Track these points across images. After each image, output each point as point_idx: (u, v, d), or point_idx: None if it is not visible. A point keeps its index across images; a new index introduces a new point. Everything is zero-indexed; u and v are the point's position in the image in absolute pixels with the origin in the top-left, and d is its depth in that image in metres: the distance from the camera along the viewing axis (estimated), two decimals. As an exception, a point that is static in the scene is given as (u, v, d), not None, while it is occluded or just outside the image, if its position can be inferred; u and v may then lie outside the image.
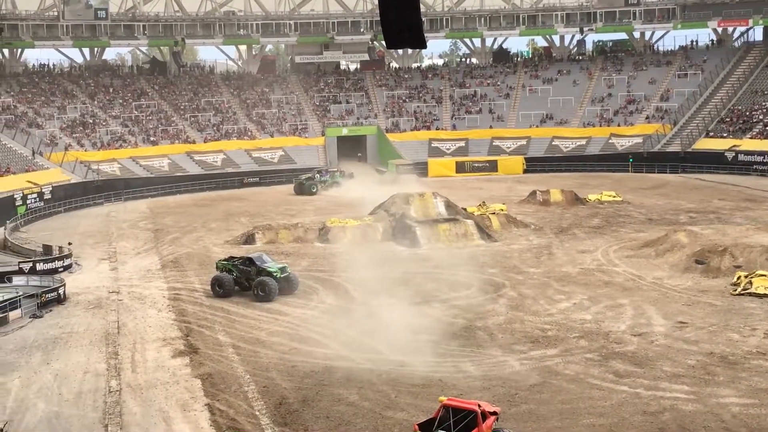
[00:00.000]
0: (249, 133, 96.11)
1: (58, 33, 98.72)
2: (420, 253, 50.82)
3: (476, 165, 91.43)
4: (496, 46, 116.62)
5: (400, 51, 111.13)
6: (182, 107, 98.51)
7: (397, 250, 52.02)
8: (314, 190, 78.97)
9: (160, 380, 30.02)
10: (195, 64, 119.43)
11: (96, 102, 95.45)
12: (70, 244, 52.38)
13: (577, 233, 55.80)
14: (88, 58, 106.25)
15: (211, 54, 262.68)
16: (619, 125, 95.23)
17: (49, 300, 40.52)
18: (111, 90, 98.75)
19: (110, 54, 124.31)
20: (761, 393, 27.13)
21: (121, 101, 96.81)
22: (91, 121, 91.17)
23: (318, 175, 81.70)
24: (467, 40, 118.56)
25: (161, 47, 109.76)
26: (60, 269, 47.66)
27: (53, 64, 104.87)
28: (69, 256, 49.62)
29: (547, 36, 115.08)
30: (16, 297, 39.30)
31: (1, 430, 22.83)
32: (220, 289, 41.58)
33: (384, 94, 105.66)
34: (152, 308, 40.16)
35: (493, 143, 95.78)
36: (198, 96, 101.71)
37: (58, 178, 75.70)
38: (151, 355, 33.00)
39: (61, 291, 41.58)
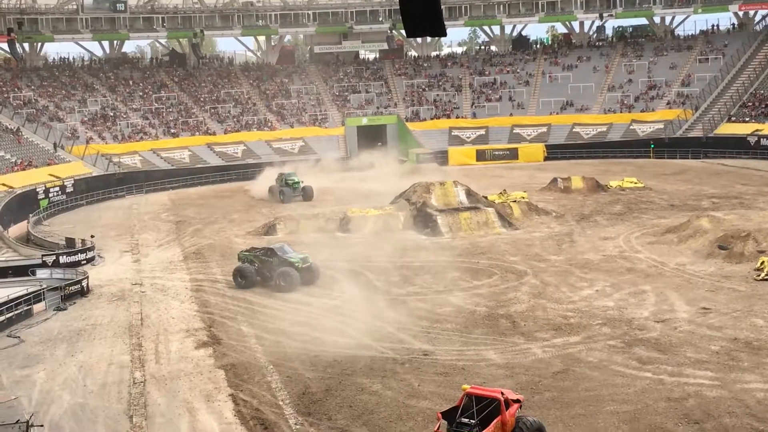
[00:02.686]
0: (269, 124, 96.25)
1: (77, 26, 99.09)
2: (441, 242, 50.76)
3: (497, 153, 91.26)
4: (515, 34, 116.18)
5: (419, 39, 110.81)
6: (202, 99, 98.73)
7: (418, 239, 51.99)
8: (282, 198, 68.45)
9: (184, 371, 30.14)
10: (214, 56, 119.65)
11: (116, 95, 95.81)
12: (92, 236, 52.68)
13: (598, 220, 55.59)
14: (107, 51, 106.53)
15: (230, 45, 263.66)
16: (640, 111, 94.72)
17: (73, 292, 40.75)
18: (131, 83, 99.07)
19: (129, 47, 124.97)
20: (786, 378, 26.99)
21: (141, 94, 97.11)
22: (111, 114, 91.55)
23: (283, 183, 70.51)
24: (486, 28, 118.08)
25: (180, 39, 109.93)
26: (83, 262, 47.90)
27: (73, 58, 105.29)
28: (92, 248, 49.86)
29: (567, 22, 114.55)
30: (40, 290, 39.53)
31: (27, 422, 22.94)
32: (242, 280, 41.67)
33: (403, 83, 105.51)
34: (175, 300, 40.31)
35: (514, 131, 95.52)
36: (217, 87, 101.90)
37: (80, 171, 76.11)
38: (174, 347, 33.13)
39: (84, 283, 41.79)
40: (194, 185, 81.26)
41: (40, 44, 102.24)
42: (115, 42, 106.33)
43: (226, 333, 34.49)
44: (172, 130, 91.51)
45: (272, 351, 31.72)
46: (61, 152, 78.66)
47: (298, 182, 69.02)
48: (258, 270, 41.78)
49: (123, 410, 26.83)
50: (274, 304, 38.61)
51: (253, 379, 28.98)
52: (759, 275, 39.32)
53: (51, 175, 72.43)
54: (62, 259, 47.05)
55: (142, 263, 48.70)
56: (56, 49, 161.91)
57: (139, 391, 28.29)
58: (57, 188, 70.73)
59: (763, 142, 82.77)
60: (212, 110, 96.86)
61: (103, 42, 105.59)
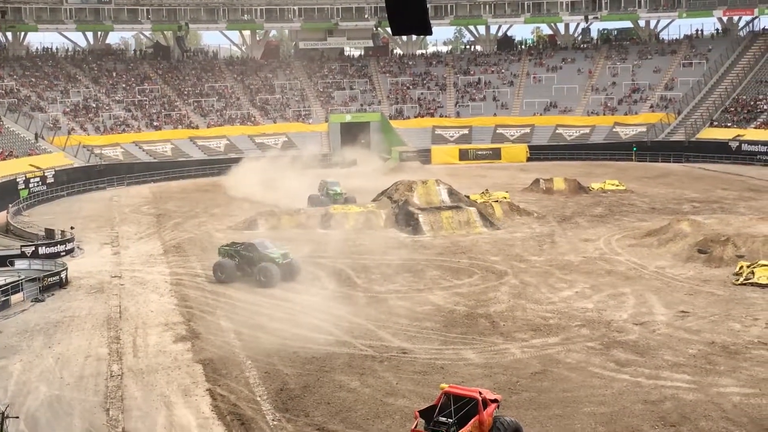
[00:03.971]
0: (252, 119, 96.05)
1: (61, 16, 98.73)
2: (423, 240, 50.79)
3: (480, 153, 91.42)
4: (500, 34, 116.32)
5: (405, 38, 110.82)
6: (186, 92, 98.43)
7: (399, 237, 52.01)
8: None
9: (162, 365, 30.04)
10: (198, 49, 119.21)
11: (99, 86, 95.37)
12: (72, 228, 52.43)
13: (579, 222, 55.75)
14: (91, 42, 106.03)
15: (214, 39, 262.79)
16: (623, 114, 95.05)
17: (51, 284, 40.54)
18: (114, 74, 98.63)
19: (114, 38, 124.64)
20: (762, 383, 27.10)
21: (124, 86, 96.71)
22: (94, 105, 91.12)
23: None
24: (472, 27, 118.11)
25: (165, 32, 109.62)
26: (62, 253, 47.67)
27: (56, 48, 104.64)
28: (71, 240, 49.64)
29: (552, 24, 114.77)
30: (19, 281, 39.30)
31: (2, 413, 22.80)
32: (222, 275, 41.57)
33: (388, 81, 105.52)
34: (154, 293, 40.17)
35: (497, 131, 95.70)
36: (201, 81, 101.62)
37: (61, 162, 75.76)
38: (152, 340, 33.02)
39: (63, 275, 41.59)
40: (176, 179, 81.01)
41: (23, 33, 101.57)
42: (99, 33, 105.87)
43: (205, 327, 34.39)
44: (155, 123, 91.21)
45: (251, 346, 31.65)
46: (42, 143, 78.26)
47: (341, 193, 61.50)
48: (238, 265, 41.69)
49: (100, 403, 26.71)
50: (254, 299, 38.53)
51: (231, 374, 28.91)
52: (737, 280, 39.52)
53: (32, 165, 72.08)
54: (41, 250, 46.81)
55: (121, 256, 48.52)
56: (39, 38, 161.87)
57: (116, 384, 28.18)
58: (37, 179, 70.42)
59: (745, 147, 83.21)
60: (195, 104, 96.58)
61: (87, 33, 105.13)
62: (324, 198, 60.73)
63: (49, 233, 50.67)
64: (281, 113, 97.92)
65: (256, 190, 65.28)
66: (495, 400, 22.66)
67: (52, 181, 71.96)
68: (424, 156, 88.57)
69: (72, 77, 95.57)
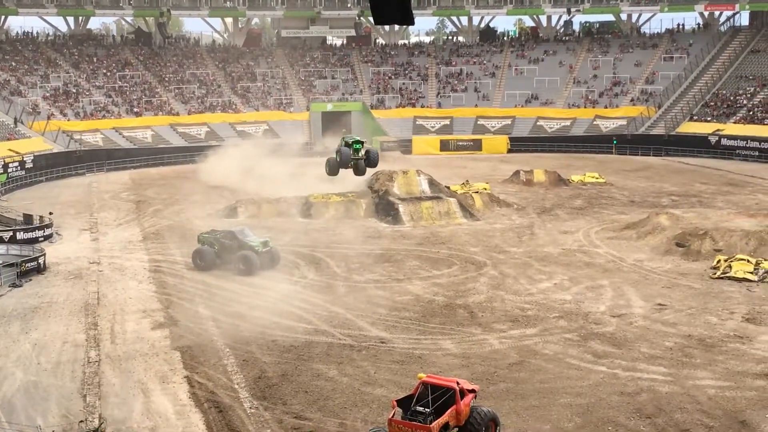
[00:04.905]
0: (233, 107, 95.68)
1: (42, 1, 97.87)
2: (402, 230, 50.84)
3: (461, 143, 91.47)
4: (483, 25, 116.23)
5: (387, 27, 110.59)
6: (167, 79, 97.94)
7: (379, 226, 52.05)
8: (338, 158, 56.09)
9: (140, 352, 30.00)
10: (180, 36, 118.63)
11: (80, 71, 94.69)
12: (51, 213, 52.14)
13: (559, 214, 55.93)
14: (72, 27, 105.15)
15: (196, 26, 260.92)
16: (604, 107, 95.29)
17: (29, 269, 40.38)
18: (95, 60, 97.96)
19: (95, 23, 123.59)
20: (737, 376, 27.33)
21: (105, 71, 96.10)
22: (74, 90, 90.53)
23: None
24: (454, 18, 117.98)
25: (146, 18, 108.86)
26: (40, 239, 47.47)
27: (37, 33, 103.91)
28: (50, 225, 49.41)
29: (535, 16, 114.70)
30: (-4, 266, 39.16)
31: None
32: (201, 262, 41.52)
33: (370, 71, 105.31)
34: (133, 280, 40.08)
35: (478, 122, 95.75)
36: (183, 68, 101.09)
37: (40, 148, 75.30)
38: (130, 327, 32.96)
39: (41, 260, 41.43)
40: (156, 165, 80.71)
41: (3, 17, 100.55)
42: (80, 18, 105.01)
43: (184, 315, 34.36)
44: (135, 109, 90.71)
45: (229, 334, 31.66)
46: (21, 127, 77.67)
47: (361, 142, 55.64)
48: (218, 252, 41.63)
49: (77, 389, 26.66)
50: (233, 287, 38.51)
51: (209, 361, 28.91)
52: (715, 273, 39.80)
53: (10, 150, 71.57)
54: (19, 236, 46.60)
55: (100, 242, 48.36)
56: (20, 23, 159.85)
57: (93, 371, 28.13)
58: (16, 163, 70.01)
59: (724, 141, 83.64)
60: (176, 90, 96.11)
61: (68, 18, 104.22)
62: (342, 149, 55.08)
63: (28, 218, 50.36)
64: (263, 101, 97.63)
65: (234, 178, 64.74)
66: (472, 391, 22.75)
67: (31, 166, 71.55)
68: (405, 146, 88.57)
69: (52, 62, 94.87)
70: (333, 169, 55.91)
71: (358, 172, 55.39)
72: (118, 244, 47.66)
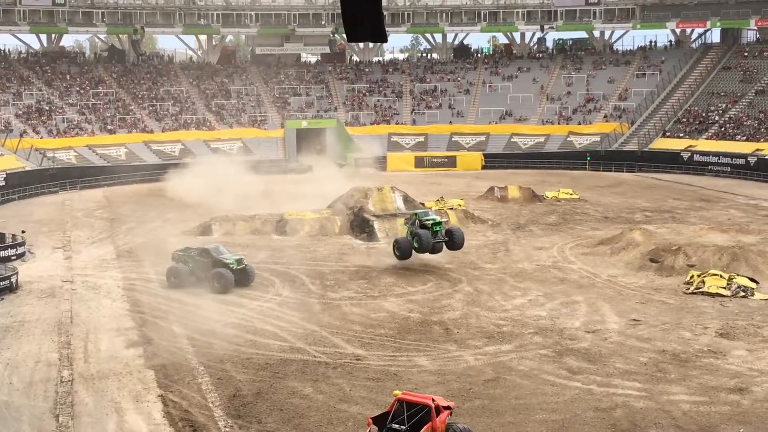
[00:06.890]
0: (208, 124, 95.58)
1: (14, 18, 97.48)
2: (378, 247, 50.81)
3: (435, 160, 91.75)
4: (457, 42, 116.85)
5: (361, 44, 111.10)
6: (140, 96, 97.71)
7: (354, 243, 52.03)
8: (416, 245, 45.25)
9: (113, 371, 29.75)
10: (154, 53, 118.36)
11: (53, 89, 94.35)
12: (23, 232, 51.76)
13: (533, 230, 56.10)
14: (45, 44, 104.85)
15: (170, 43, 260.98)
16: (578, 123, 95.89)
17: (2, 288, 40.00)
18: (68, 77, 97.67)
19: (68, 41, 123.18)
20: (711, 391, 27.44)
21: (78, 89, 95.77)
22: (47, 108, 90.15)
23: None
24: (428, 35, 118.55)
25: (120, 35, 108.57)
26: (13, 257, 47.06)
27: (9, 50, 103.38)
28: (22, 244, 49.04)
29: (508, 33, 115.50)
30: (-32, 285, 38.80)
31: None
32: (175, 280, 41.28)
33: (344, 88, 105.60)
34: (106, 298, 39.80)
35: (452, 139, 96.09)
36: (157, 85, 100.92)
37: (13, 165, 74.82)
38: (104, 345, 32.70)
39: (13, 279, 41.05)
40: (130, 183, 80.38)
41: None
42: (53, 35, 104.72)
43: (158, 333, 34.13)
44: (109, 127, 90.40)
45: (204, 352, 31.47)
46: (-7, 145, 77.30)
47: (440, 222, 46.38)
48: (192, 270, 41.40)
49: (49, 409, 26.41)
50: (208, 305, 38.28)
51: (184, 380, 28.72)
52: (688, 289, 39.96)
53: (-18, 168, 71.18)
54: (-9, 254, 46.24)
55: (73, 260, 48.03)
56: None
57: (66, 390, 27.87)
58: (-12, 181, 69.56)
59: (696, 157, 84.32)
60: (150, 108, 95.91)
61: (40, 35, 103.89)
62: (419, 231, 44.77)
63: (0, 237, 49.99)
64: (237, 118, 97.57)
65: (202, 196, 63.91)
66: (448, 407, 22.73)
67: (3, 184, 71.04)
68: (380, 163, 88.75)
69: (25, 80, 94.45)
70: (405, 253, 44.95)
71: (435, 252, 45.50)
72: (92, 263, 47.35)
